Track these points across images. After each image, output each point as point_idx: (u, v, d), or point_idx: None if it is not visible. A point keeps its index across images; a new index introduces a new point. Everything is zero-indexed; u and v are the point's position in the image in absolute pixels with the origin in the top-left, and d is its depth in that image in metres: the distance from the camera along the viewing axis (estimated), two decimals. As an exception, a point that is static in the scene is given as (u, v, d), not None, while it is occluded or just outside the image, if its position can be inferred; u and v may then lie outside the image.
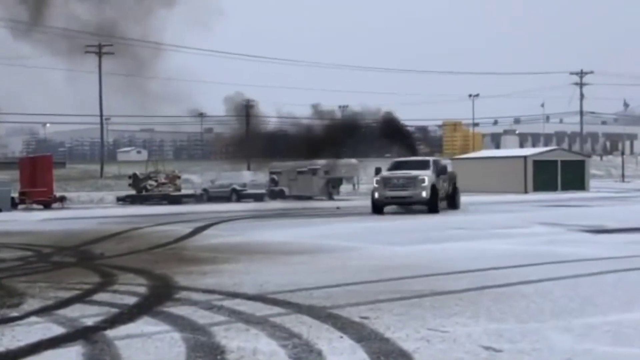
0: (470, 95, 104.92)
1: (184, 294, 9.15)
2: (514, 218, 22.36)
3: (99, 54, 63.47)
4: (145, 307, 8.34)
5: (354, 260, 12.66)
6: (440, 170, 27.77)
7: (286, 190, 44.99)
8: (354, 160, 45.20)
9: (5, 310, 8.27)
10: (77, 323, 7.45)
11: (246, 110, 68.56)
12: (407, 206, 27.44)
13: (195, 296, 8.98)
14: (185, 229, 20.07)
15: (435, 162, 28.81)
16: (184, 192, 45.70)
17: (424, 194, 26.04)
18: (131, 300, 8.76)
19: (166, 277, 10.75)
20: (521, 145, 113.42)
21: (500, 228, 18.89)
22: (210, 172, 58.21)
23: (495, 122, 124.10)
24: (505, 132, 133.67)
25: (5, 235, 19.80)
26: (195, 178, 58.25)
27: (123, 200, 44.90)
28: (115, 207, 40.33)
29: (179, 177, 46.80)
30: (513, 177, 47.63)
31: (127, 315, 7.83)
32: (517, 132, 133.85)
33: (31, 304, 8.59)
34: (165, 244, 16.06)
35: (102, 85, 65.23)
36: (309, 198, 42.19)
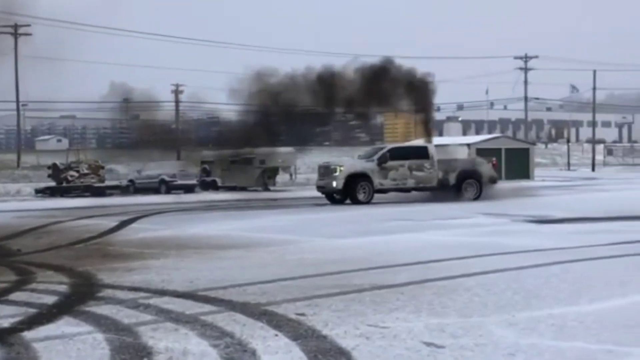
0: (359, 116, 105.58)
1: (108, 292, 9.03)
2: (456, 208, 22.71)
3: (15, 35, 61.98)
4: (66, 306, 8.19)
5: (291, 254, 12.67)
6: (388, 157, 27.40)
7: (219, 180, 44.75)
8: (290, 149, 45.19)
9: None
10: (-9, 325, 7.28)
11: (176, 96, 67.82)
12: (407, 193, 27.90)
13: (120, 294, 8.87)
14: (110, 222, 19.79)
15: (392, 149, 28.54)
16: (108, 183, 45.03)
17: (334, 183, 27.01)
18: (51, 299, 8.60)
19: (89, 274, 10.59)
20: (464, 133, 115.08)
21: (442, 219, 19.14)
22: (137, 162, 57.48)
23: (438, 109, 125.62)
24: (448, 118, 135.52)
25: None
26: (120, 168, 57.40)
27: (42, 192, 43.97)
28: (33, 200, 39.51)
29: (102, 167, 46.09)
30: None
31: (46, 315, 7.69)
32: (460, 119, 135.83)
33: (-60, 306, 8.36)
34: (88, 239, 15.81)
35: (18, 68, 63.73)
36: (243, 189, 42.04)
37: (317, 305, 7.97)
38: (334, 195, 27.39)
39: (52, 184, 44.48)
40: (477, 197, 27.37)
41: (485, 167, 28.63)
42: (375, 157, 27.67)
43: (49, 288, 9.41)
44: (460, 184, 27.71)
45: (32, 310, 7.97)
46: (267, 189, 42.35)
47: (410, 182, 27.67)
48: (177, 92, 65.67)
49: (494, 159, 30.55)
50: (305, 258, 12.10)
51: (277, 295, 8.58)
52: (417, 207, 23.99)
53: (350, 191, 26.78)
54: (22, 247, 14.28)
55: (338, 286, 9.16)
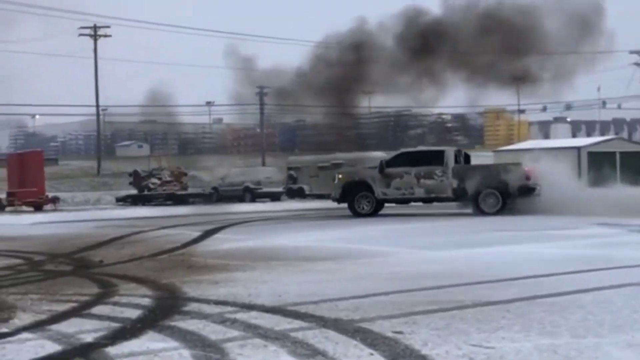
0: (515, 78, 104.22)
1: (193, 306, 9.18)
2: (567, 218, 22.21)
3: (94, 37, 63.74)
4: (150, 321, 8.37)
5: (384, 266, 12.64)
6: (389, 163, 26.37)
7: (306, 188, 45.04)
8: (382, 153, 45.13)
9: (-7, 325, 8.35)
10: (74, 340, 7.49)
11: (260, 98, 68.61)
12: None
13: (206, 308, 9.01)
14: (194, 232, 20.16)
15: (399, 154, 27.51)
16: (190, 191, 45.95)
17: (332, 193, 26.67)
18: (134, 313, 8.80)
19: (173, 286, 10.80)
20: (573, 135, 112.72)
21: (550, 229, 18.78)
22: (221, 168, 58.45)
23: (544, 109, 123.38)
24: (556, 119, 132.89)
25: (-9, 241, 19.98)
26: (203, 175, 58.52)
27: (123, 200, 45.22)
28: (114, 209, 40.65)
29: (185, 175, 47.06)
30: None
31: (130, 330, 7.87)
32: (568, 119, 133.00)
33: (22, 319, 8.65)
34: (172, 250, 16.14)
35: (98, 71, 65.51)
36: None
37: (414, 323, 7.91)
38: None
39: (134, 192, 45.62)
40: (499, 211, 24.80)
41: (514, 175, 25.51)
42: (380, 163, 26.67)
43: (132, 301, 9.63)
44: (479, 195, 25.41)
45: (115, 325, 8.17)
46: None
47: (419, 192, 26.09)
48: (261, 94, 66.38)
49: (528, 165, 26.58)
50: (399, 271, 12.05)
51: (371, 311, 8.56)
52: (516, 218, 23.57)
53: (349, 202, 26.03)
54: (104, 258, 14.69)
55: (437, 302, 9.08)
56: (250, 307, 9.06)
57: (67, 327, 8.09)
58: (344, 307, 8.86)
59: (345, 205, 26.38)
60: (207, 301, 9.49)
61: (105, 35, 63.26)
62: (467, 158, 27.60)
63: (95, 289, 10.85)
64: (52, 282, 11.72)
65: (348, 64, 31.65)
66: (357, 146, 45.00)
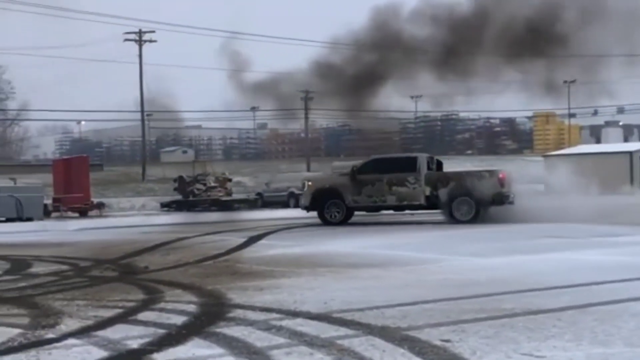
0: (565, 82, 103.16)
1: (238, 313, 9.23)
2: (618, 224, 21.90)
3: (139, 42, 64.41)
4: (196, 327, 8.43)
5: (431, 274, 12.59)
6: (359, 169, 25.83)
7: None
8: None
9: (40, 331, 8.47)
10: (120, 346, 7.58)
11: (305, 103, 68.77)
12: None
13: (252, 315, 9.05)
14: (238, 238, 20.27)
15: (370, 160, 26.79)
16: (235, 196, 46.20)
17: (302, 200, 26.24)
18: (180, 319, 8.88)
19: (218, 293, 10.87)
20: (626, 140, 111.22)
21: (602, 236, 18.54)
22: (265, 173, 58.68)
23: (595, 113, 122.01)
24: (607, 123, 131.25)
25: (38, 247, 20.30)
26: (247, 181, 58.83)
27: (168, 206, 45.62)
28: (159, 214, 41.02)
29: (230, 180, 47.34)
30: (616, 176, 46.71)
31: (175, 336, 7.94)
32: (620, 123, 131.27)
33: (69, 325, 8.77)
34: (216, 256, 16.25)
35: (142, 76, 66.16)
36: None
37: (463, 331, 7.87)
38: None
39: (179, 197, 45.98)
40: (472, 219, 24.48)
41: (488, 182, 25.09)
42: (352, 169, 26.18)
43: (177, 307, 9.72)
44: (452, 203, 25.06)
45: (161, 331, 8.25)
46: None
47: (391, 199, 25.60)
48: (306, 99, 66.57)
49: (501, 172, 26.02)
50: (447, 278, 12.00)
51: (419, 319, 8.53)
52: (564, 224, 23.28)
53: (319, 209, 25.64)
54: (149, 264, 14.83)
55: (486, 310, 9.02)
56: (295, 314, 9.08)
57: (113, 333, 8.19)
58: (391, 315, 8.84)
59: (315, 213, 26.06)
60: (253, 308, 9.54)
61: (151, 41, 63.90)
62: (440, 165, 27.11)
63: (141, 295, 10.96)
64: (98, 288, 11.86)
65: (379, 64, 31.10)
66: (403, 151, 44.79)
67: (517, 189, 25.69)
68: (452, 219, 24.89)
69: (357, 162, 27.28)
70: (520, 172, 29.21)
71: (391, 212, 26.90)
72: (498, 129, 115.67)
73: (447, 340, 7.44)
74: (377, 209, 26.35)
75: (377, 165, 26.07)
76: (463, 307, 9.28)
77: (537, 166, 52.69)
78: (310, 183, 26.30)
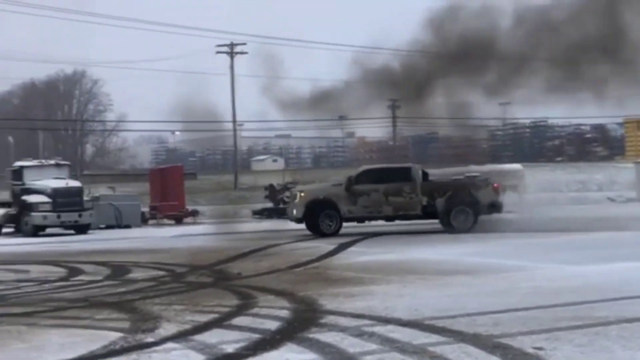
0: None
1: (330, 319, 9.27)
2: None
3: (231, 54, 65.37)
4: (289, 332, 8.50)
5: (523, 281, 12.40)
6: (355, 180, 25.28)
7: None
8: (518, 166, 44.26)
9: (140, 335, 8.66)
10: (217, 350, 7.70)
11: (393, 111, 68.56)
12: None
13: (343, 321, 9.07)
14: (328, 245, 20.33)
15: (364, 171, 26.42)
16: (325, 204, 46.28)
17: (294, 211, 25.44)
18: (273, 325, 8.96)
19: (310, 299, 10.93)
20: None
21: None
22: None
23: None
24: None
25: (136, 253, 20.76)
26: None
27: (259, 213, 46.01)
28: (251, 222, 41.40)
29: (319, 188, 47.44)
30: None
31: (269, 341, 8.02)
32: None
33: (167, 329, 8.95)
34: (308, 263, 16.34)
35: (234, 88, 67.09)
36: None
37: (556, 339, 7.73)
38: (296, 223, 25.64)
39: (270, 205, 46.36)
40: (470, 228, 24.35)
41: (484, 192, 25.25)
42: (345, 180, 25.64)
43: (270, 313, 9.81)
44: (450, 212, 24.84)
45: (255, 336, 8.34)
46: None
47: (387, 210, 25.14)
48: (394, 106, 66.37)
49: (495, 182, 26.15)
50: (539, 286, 11.80)
51: (511, 327, 8.41)
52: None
53: (313, 221, 24.97)
54: (242, 271, 15.01)
55: (579, 318, 8.84)
56: (386, 320, 9.06)
57: (210, 337, 8.32)
58: (483, 322, 8.73)
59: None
60: (344, 314, 9.56)
61: (242, 52, 64.82)
62: (425, 175, 26.49)
63: (235, 301, 11.11)
64: (194, 294, 12.08)
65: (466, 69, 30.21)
66: (491, 158, 44.21)
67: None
68: (451, 228, 24.64)
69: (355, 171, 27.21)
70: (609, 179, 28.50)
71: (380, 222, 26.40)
72: (589, 135, 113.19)
73: (540, 348, 7.31)
74: (373, 219, 25.95)
75: (372, 176, 25.82)
76: (556, 315, 9.11)
77: (628, 173, 51.39)
78: (303, 194, 25.74)
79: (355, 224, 26.02)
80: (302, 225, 25.73)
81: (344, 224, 25.41)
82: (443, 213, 24.98)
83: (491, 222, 24.87)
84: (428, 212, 25.35)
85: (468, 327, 8.42)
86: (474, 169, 42.49)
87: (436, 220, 25.82)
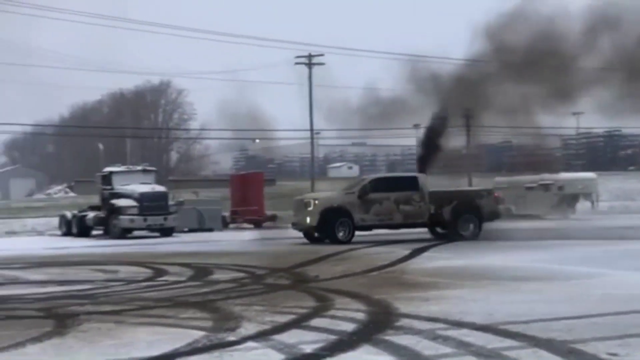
0: None
1: (405, 322, 9.22)
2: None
3: (309, 65, 65.95)
4: (365, 334, 8.49)
5: (596, 288, 12.14)
6: (369, 188, 24.93)
7: (512, 208, 44.02)
8: (592, 174, 43.38)
9: (222, 334, 8.77)
10: (296, 350, 7.74)
11: (467, 119, 67.95)
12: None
13: (418, 324, 9.02)
14: (403, 250, 20.23)
15: (375, 179, 26.12)
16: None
17: (307, 219, 24.72)
18: (349, 326, 8.96)
19: (385, 302, 10.90)
20: None
21: None
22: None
23: None
24: None
25: (218, 255, 21.00)
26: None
27: (335, 219, 46.21)
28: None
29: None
30: None
31: (346, 342, 8.02)
32: None
33: (247, 328, 9.03)
34: (382, 267, 16.29)
35: (312, 97, 67.68)
36: (538, 217, 41.02)
37: (629, 345, 7.56)
38: (314, 233, 24.99)
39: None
40: (476, 236, 24.61)
41: (486, 200, 25.72)
42: (356, 188, 25.16)
43: (347, 315, 9.81)
44: (457, 220, 24.94)
45: (332, 337, 8.35)
46: (565, 217, 40.96)
47: (398, 218, 24.90)
48: (467, 115, 65.72)
49: (496, 191, 27.07)
50: (611, 293, 11.54)
51: (585, 333, 8.25)
52: None
53: (328, 228, 24.29)
54: (319, 274, 15.05)
55: (653, 325, 8.62)
56: (460, 324, 8.98)
57: (289, 337, 8.36)
58: (556, 328, 8.59)
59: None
60: (419, 317, 9.51)
61: (319, 64, 65.25)
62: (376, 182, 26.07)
63: (312, 303, 11.15)
64: (273, 295, 12.16)
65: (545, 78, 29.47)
66: (565, 167, 43.37)
67: None
68: (458, 236, 24.53)
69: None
70: None
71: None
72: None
73: (614, 354, 7.16)
74: (385, 227, 25.63)
75: (382, 185, 25.56)
76: (629, 322, 8.92)
77: None
78: (316, 202, 25.30)
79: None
80: (382, 230, 25.53)
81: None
82: (450, 221, 25.08)
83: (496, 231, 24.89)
84: (434, 221, 25.45)
85: (542, 333, 8.28)
86: (547, 177, 41.87)
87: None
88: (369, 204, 24.89)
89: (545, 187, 41.71)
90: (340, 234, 24.50)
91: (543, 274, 14.20)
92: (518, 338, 8.07)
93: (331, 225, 24.45)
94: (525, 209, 42.69)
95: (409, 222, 25.50)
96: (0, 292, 13.58)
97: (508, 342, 7.87)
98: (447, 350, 7.59)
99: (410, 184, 25.74)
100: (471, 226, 25.09)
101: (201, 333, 8.77)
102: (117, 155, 62.73)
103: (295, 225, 26.42)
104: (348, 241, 24.25)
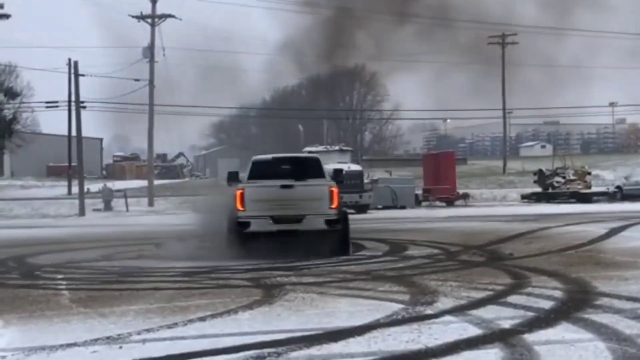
0: None
1: (604, 301, 8.88)
2: None
3: (502, 44, 64.67)
4: (563, 312, 8.25)
5: None
6: None
7: None
8: None
9: (419, 307, 8.80)
10: (493, 325, 7.64)
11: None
12: None
13: (618, 303, 8.66)
14: (599, 229, 19.42)
15: None
16: (594, 189, 44.36)
17: None
18: (547, 304, 8.74)
19: (582, 281, 10.53)
20: None
21: None
22: (625, 167, 55.65)
23: None
24: None
25: (411, 232, 21.08)
26: (606, 174, 56.20)
27: (528, 197, 45.07)
28: (519, 205, 40.60)
29: (589, 174, 45.52)
30: None
31: (544, 320, 7.83)
32: None
33: (444, 303, 9.01)
34: (578, 246, 15.72)
35: (504, 77, 66.29)
36: None
37: None
38: None
39: (538, 189, 45.22)
40: None
41: None
42: None
43: (544, 293, 9.56)
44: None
45: (529, 314, 8.18)
46: None
47: None
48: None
49: None
50: None
51: None
52: None
53: None
54: (513, 251, 14.75)
55: None
56: (663, 305, 8.52)
57: (485, 313, 8.27)
58: None
59: None
60: (618, 297, 9.12)
61: (513, 43, 63.74)
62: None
63: (508, 280, 10.95)
64: (468, 272, 12.04)
65: None
66: None
67: None
68: None
69: None
70: None
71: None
72: None
73: None
74: None
75: None
76: None
77: None
78: None
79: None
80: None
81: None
82: None
83: None
84: None
85: None
86: None
87: None
88: None
89: None
90: None
91: None
92: None
93: None
94: None
95: None
96: (212, 263, 14.27)
97: None
98: (651, 330, 7.24)
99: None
100: None
101: (399, 306, 8.84)
102: (315, 135, 64.22)
103: None
104: None
